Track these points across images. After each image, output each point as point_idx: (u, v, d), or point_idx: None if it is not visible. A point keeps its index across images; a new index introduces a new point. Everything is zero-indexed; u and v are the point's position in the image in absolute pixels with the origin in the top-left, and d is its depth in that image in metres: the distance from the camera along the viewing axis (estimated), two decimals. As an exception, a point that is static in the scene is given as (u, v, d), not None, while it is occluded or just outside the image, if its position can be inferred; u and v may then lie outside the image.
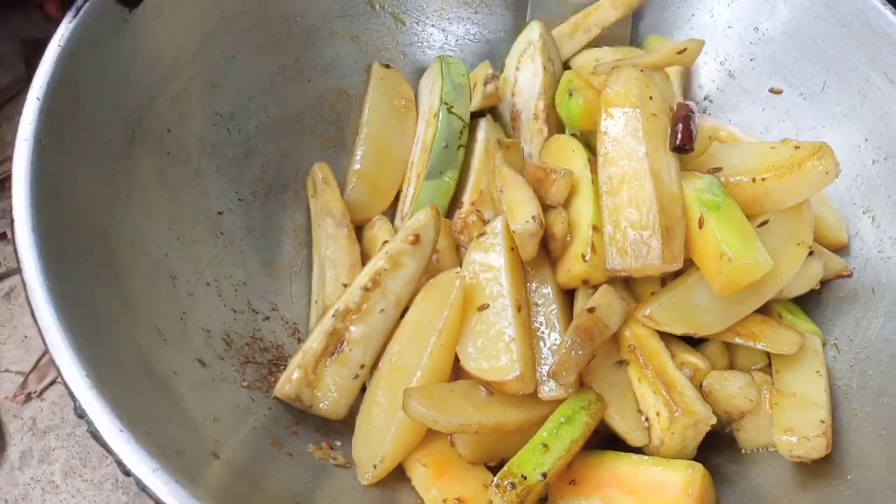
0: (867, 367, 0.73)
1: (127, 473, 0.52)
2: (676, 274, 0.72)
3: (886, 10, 0.79)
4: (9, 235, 0.93)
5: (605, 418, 0.69)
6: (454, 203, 0.88)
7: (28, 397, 0.87)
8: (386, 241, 0.79)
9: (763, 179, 0.69)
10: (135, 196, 0.70)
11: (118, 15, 0.70)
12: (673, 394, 0.68)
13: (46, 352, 0.55)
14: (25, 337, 0.91)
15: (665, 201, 0.68)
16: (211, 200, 0.79)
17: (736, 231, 0.67)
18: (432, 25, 0.97)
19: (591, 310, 0.68)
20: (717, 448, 0.73)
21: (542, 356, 0.70)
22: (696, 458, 0.69)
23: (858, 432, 0.69)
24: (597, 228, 0.71)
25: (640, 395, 0.70)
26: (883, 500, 0.62)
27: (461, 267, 0.75)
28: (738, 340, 0.72)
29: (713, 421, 0.68)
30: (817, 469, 0.68)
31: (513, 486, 0.63)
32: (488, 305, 0.71)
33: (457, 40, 0.98)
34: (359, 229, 0.87)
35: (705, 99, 0.93)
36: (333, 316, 0.74)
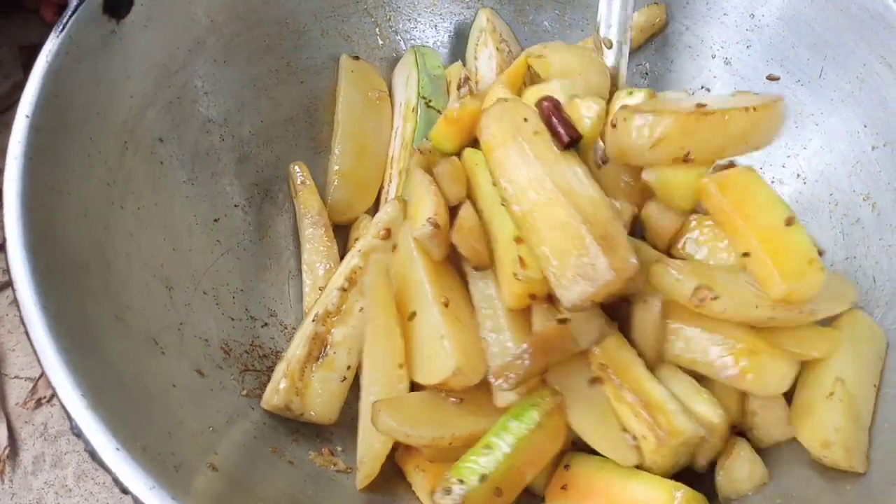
0: (868, 356, 0.72)
1: (125, 491, 0.53)
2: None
3: (883, -7, 0.78)
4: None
5: (587, 441, 0.66)
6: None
7: (38, 403, 0.88)
8: (357, 239, 0.78)
9: (755, 109, 0.67)
10: (129, 206, 0.70)
11: (106, 27, 0.70)
12: (654, 413, 0.64)
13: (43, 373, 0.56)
14: (33, 344, 0.92)
15: (588, 210, 0.65)
16: (206, 208, 0.79)
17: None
18: (423, 23, 0.97)
19: (563, 321, 0.64)
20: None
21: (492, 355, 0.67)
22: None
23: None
24: (520, 240, 0.67)
25: (622, 415, 0.66)
26: (884, 496, 0.62)
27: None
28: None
29: (702, 433, 0.64)
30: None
31: (447, 491, 0.59)
32: (415, 313, 0.69)
33: (448, 36, 0.98)
34: (345, 229, 0.87)
35: (702, 88, 0.91)
36: (314, 320, 0.73)
